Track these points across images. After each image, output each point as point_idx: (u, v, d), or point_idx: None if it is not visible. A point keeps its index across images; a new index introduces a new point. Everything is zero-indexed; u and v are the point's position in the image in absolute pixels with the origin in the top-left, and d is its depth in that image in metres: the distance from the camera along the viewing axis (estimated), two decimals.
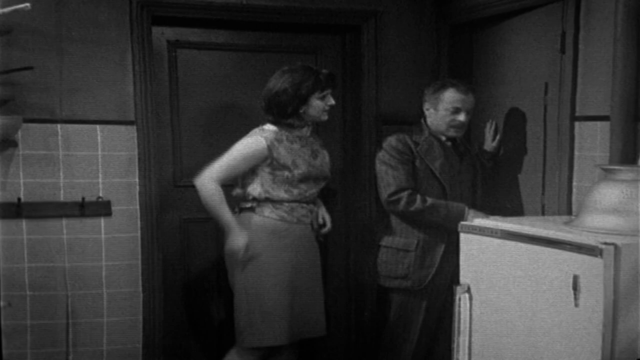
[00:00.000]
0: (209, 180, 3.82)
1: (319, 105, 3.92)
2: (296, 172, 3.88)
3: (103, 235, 4.25)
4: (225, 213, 3.86)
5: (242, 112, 4.47)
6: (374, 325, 4.60)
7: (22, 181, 4.09)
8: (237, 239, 3.84)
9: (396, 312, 4.14)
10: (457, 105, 4.03)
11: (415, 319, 4.11)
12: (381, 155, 4.05)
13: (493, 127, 4.33)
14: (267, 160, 3.85)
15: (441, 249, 4.02)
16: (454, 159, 4.11)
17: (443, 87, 4.06)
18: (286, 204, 3.91)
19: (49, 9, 4.07)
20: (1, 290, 3.90)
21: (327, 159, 4.11)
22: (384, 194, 3.99)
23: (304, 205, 3.98)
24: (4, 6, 3.85)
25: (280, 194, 3.90)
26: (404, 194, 3.93)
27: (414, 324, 4.12)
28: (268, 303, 3.87)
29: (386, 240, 4.12)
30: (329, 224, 4.18)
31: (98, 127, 4.19)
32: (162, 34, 4.52)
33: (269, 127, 3.93)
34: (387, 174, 3.98)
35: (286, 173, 3.87)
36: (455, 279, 3.26)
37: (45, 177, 4.11)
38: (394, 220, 4.08)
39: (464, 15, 4.60)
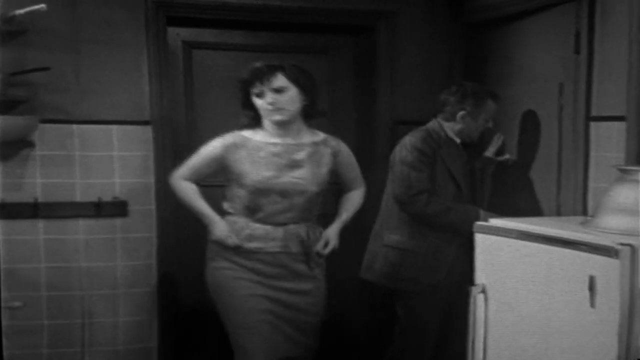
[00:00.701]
0: (176, 179, 3.70)
1: (259, 105, 3.57)
2: (247, 181, 3.55)
3: (119, 235, 4.27)
4: (198, 204, 3.66)
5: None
6: (382, 326, 4.59)
7: (38, 181, 4.12)
8: (217, 228, 3.61)
9: (405, 314, 4.12)
10: (493, 115, 4.09)
11: (425, 321, 4.08)
12: (404, 155, 3.97)
13: (499, 142, 4.30)
14: (226, 165, 3.61)
15: (451, 250, 3.99)
16: (465, 161, 4.10)
17: (484, 98, 4.04)
18: (244, 223, 3.61)
19: (65, 10, 4.10)
20: (1, 292, 3.92)
21: (319, 171, 3.66)
22: (404, 195, 3.93)
23: (270, 227, 3.60)
24: (19, 7, 3.88)
25: (237, 206, 3.64)
26: (424, 196, 3.89)
27: (425, 326, 4.09)
28: (231, 324, 3.65)
29: (394, 241, 4.07)
30: (330, 245, 3.75)
31: (114, 127, 4.23)
32: (177, 35, 4.54)
33: (240, 131, 3.65)
34: (409, 176, 3.92)
35: (240, 181, 3.58)
36: (466, 280, 3.26)
37: (62, 178, 4.15)
38: (403, 221, 4.03)
39: (477, 15, 4.60)
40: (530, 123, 4.24)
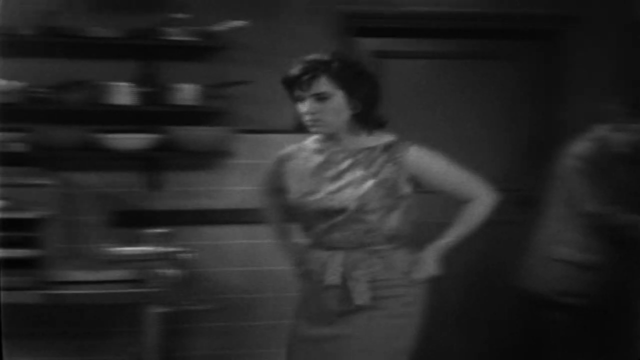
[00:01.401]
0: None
1: (300, 110, 2.83)
2: (288, 200, 2.92)
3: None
4: (273, 228, 3.26)
5: (449, 120, 4.48)
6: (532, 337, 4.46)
7: (237, 189, 4.33)
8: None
9: (567, 331, 3.94)
10: None
11: (587, 340, 3.92)
12: (578, 166, 3.82)
13: None
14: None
15: (627, 266, 3.82)
16: (636, 173, 3.92)
17: None
18: (303, 247, 2.96)
19: (262, 24, 4.26)
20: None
21: (363, 183, 2.77)
22: (594, 207, 3.76)
23: (321, 251, 2.85)
24: (220, 24, 4.09)
25: (297, 229, 3.01)
26: (613, 208, 3.74)
27: (586, 345, 3.93)
28: None
29: (565, 254, 3.87)
30: (423, 272, 2.85)
31: (307, 137, 4.32)
32: (366, 45, 4.61)
33: (305, 139, 3.00)
34: (592, 187, 3.76)
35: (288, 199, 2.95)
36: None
37: (258, 185, 4.28)
38: (576, 234, 3.84)
39: None
40: None
